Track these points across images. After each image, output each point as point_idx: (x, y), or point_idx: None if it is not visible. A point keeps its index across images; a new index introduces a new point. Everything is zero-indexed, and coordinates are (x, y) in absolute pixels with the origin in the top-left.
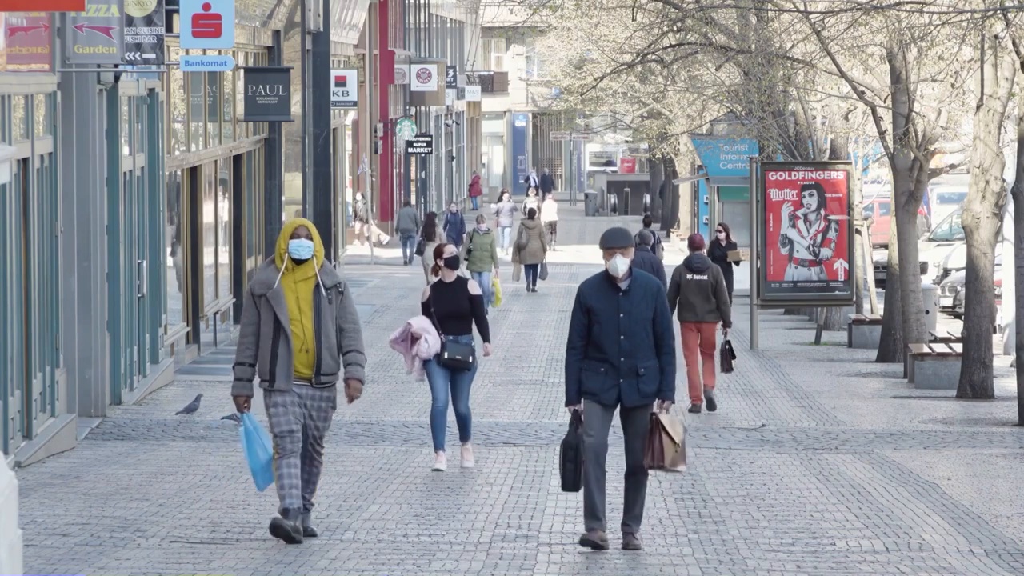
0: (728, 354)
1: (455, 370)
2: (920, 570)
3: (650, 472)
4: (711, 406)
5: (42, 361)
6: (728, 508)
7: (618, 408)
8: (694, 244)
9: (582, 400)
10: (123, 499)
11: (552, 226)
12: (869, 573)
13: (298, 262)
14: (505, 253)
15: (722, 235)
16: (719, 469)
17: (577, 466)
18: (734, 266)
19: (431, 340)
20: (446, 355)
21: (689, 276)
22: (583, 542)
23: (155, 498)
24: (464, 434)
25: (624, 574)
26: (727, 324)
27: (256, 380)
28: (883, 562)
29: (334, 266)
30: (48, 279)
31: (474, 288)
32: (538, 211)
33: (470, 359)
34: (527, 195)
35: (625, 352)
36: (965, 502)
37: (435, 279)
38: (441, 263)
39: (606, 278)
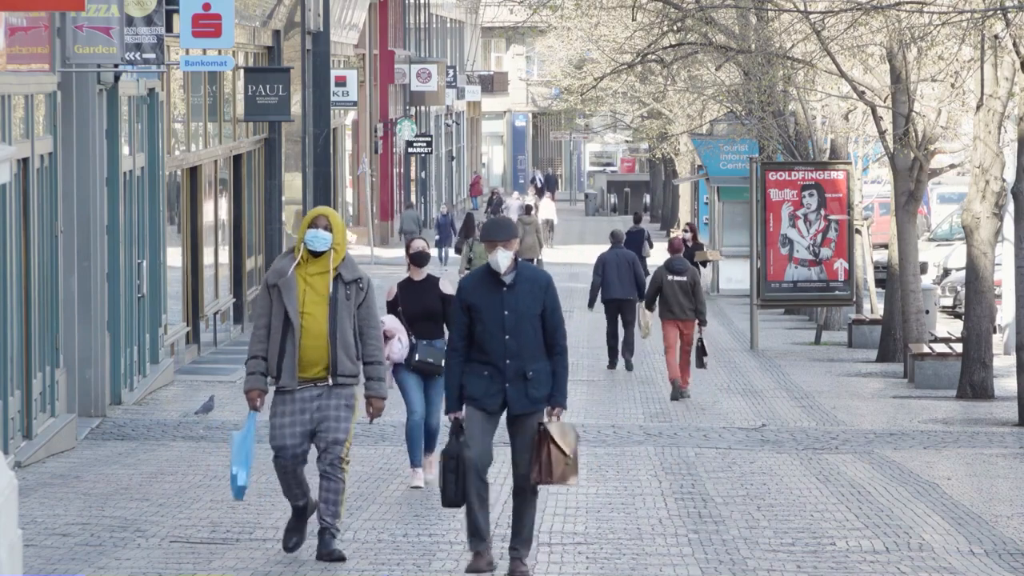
0: (701, 351)
1: (427, 376)
2: (920, 570)
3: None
4: (683, 396)
5: (42, 361)
6: (728, 508)
7: (504, 416)
8: (673, 247)
9: (463, 407)
10: (123, 499)
11: (549, 224)
12: (869, 573)
13: (314, 254)
14: None
15: (688, 235)
16: (719, 469)
17: (459, 478)
18: (701, 267)
19: (404, 341)
20: (416, 357)
21: (670, 277)
22: (469, 570)
23: (155, 498)
24: (430, 444)
25: (625, 574)
26: (703, 323)
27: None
28: (883, 562)
29: None
30: (48, 279)
31: (446, 287)
32: (535, 208)
33: (443, 363)
34: (527, 194)
35: (511, 353)
36: (965, 502)
37: (404, 276)
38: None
39: (489, 272)
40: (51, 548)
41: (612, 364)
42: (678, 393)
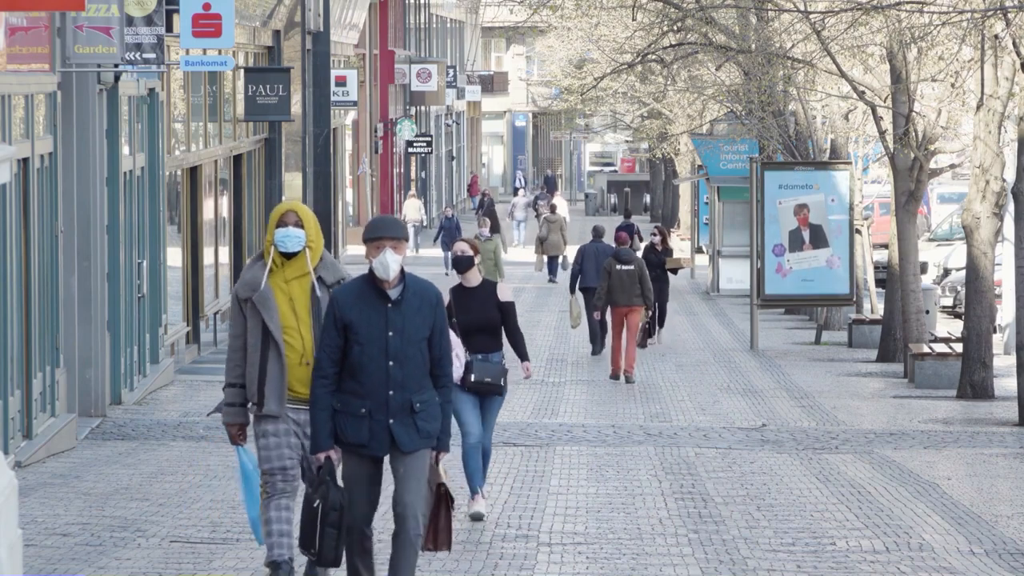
0: (645, 333)
1: (484, 396)
2: (920, 570)
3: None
4: (628, 381)
5: (42, 361)
6: (728, 508)
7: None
8: (620, 240)
9: (336, 449)
10: (123, 499)
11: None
12: (869, 573)
13: (288, 256)
14: (520, 246)
15: (657, 239)
16: (719, 469)
17: (342, 532)
18: (671, 275)
19: (460, 357)
20: (473, 377)
21: (618, 267)
22: None
23: (155, 498)
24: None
25: (625, 574)
26: (649, 307)
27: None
28: (883, 562)
29: None
30: (48, 279)
31: (505, 294)
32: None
33: (502, 382)
34: (516, 195)
35: (395, 383)
36: (965, 502)
37: (456, 282)
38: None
39: (371, 283)
40: (51, 548)
41: (595, 351)
42: (616, 374)
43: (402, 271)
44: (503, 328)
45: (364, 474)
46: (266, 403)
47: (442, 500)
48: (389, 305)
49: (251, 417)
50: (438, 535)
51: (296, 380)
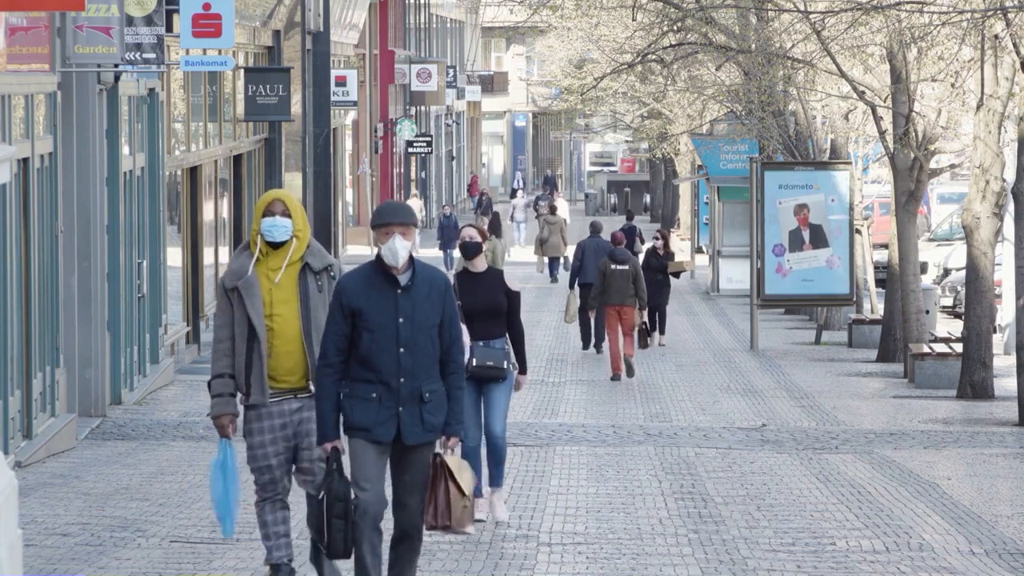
0: (643, 333)
1: (486, 382)
2: (920, 570)
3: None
4: (630, 373)
5: (42, 361)
6: (728, 508)
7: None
8: (615, 240)
9: (344, 437)
10: (123, 499)
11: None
12: (869, 573)
13: (274, 245)
14: (521, 246)
15: (659, 243)
16: (719, 469)
17: (349, 523)
18: (672, 279)
19: (468, 345)
20: (475, 362)
21: (613, 266)
22: None
23: (155, 498)
24: (496, 473)
25: (625, 574)
26: (643, 307)
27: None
28: (883, 562)
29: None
30: (48, 279)
31: (513, 284)
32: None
33: (504, 364)
34: (513, 196)
35: (406, 371)
36: (965, 502)
37: (462, 267)
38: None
39: (379, 269)
40: (51, 548)
41: (586, 346)
42: (617, 376)
43: (411, 257)
44: (506, 317)
45: (371, 459)
46: (252, 394)
47: (440, 472)
48: (399, 291)
49: (240, 408)
50: (438, 510)
51: (283, 369)
